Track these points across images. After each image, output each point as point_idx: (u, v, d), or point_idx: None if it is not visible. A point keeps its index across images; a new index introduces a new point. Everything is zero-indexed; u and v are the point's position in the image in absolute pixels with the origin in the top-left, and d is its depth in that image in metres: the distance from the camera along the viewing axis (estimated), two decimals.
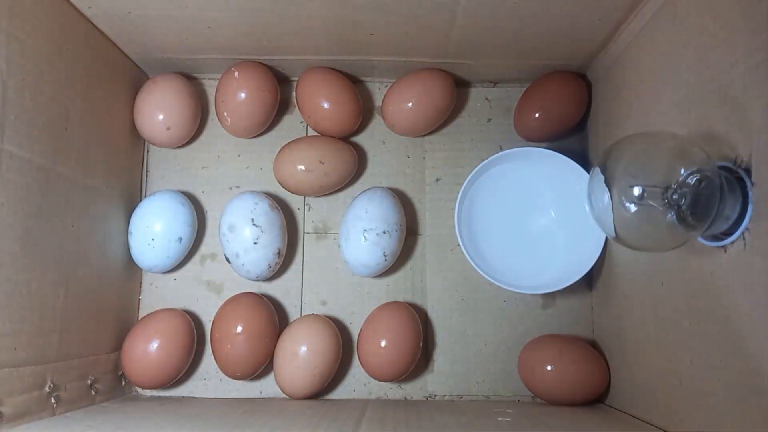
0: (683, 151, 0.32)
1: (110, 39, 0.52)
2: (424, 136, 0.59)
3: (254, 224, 0.52)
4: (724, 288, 0.33)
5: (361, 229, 0.52)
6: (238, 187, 0.59)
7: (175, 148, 0.59)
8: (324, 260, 0.58)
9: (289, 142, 0.57)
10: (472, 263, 0.51)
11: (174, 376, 0.53)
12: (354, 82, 0.58)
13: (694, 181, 0.31)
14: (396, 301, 0.55)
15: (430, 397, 0.55)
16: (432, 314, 0.57)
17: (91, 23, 0.49)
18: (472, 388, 0.55)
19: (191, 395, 0.56)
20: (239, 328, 0.51)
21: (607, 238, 0.51)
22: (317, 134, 0.58)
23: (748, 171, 0.31)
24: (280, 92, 0.58)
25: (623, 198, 0.32)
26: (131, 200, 0.56)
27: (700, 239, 0.34)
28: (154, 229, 0.53)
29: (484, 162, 0.52)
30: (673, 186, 0.31)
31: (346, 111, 0.56)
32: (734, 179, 0.32)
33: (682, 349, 0.38)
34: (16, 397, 0.39)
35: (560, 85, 0.55)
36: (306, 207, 0.59)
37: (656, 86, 0.42)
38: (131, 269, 0.56)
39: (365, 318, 0.54)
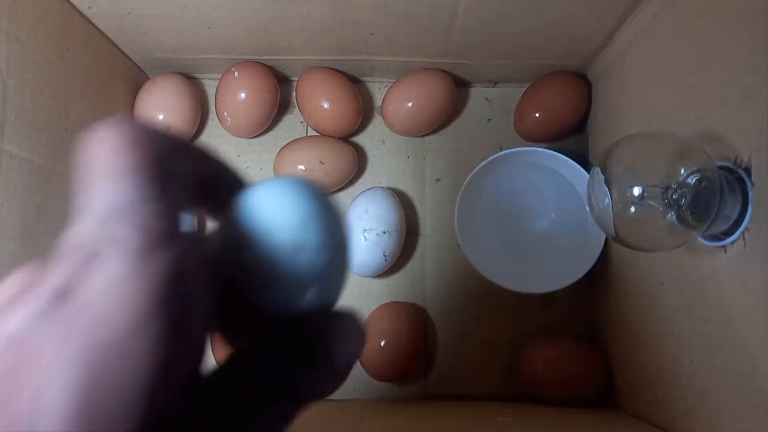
0: (683, 151, 0.32)
1: (110, 39, 0.52)
2: (424, 136, 0.59)
3: None
4: (724, 288, 0.33)
5: (361, 229, 0.52)
6: None
7: None
8: None
9: (289, 142, 0.57)
10: (472, 263, 0.51)
11: None
12: (354, 82, 0.58)
13: (694, 181, 0.31)
14: (396, 301, 0.55)
15: (430, 397, 0.55)
16: (432, 314, 0.57)
17: (91, 23, 0.49)
18: (472, 388, 0.55)
19: None
20: None
21: (607, 238, 0.51)
22: (317, 134, 0.58)
23: (748, 171, 0.31)
24: (280, 92, 0.58)
25: (623, 198, 0.32)
26: None
27: (700, 239, 0.34)
28: None
29: (484, 162, 0.52)
30: (673, 186, 0.31)
31: (346, 111, 0.56)
32: (734, 179, 0.32)
33: (682, 349, 0.38)
34: None
35: (560, 85, 0.55)
36: None
37: (656, 86, 0.42)
38: None
39: (365, 318, 0.54)
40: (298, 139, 0.57)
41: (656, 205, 0.31)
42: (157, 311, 0.14)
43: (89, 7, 0.47)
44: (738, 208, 0.31)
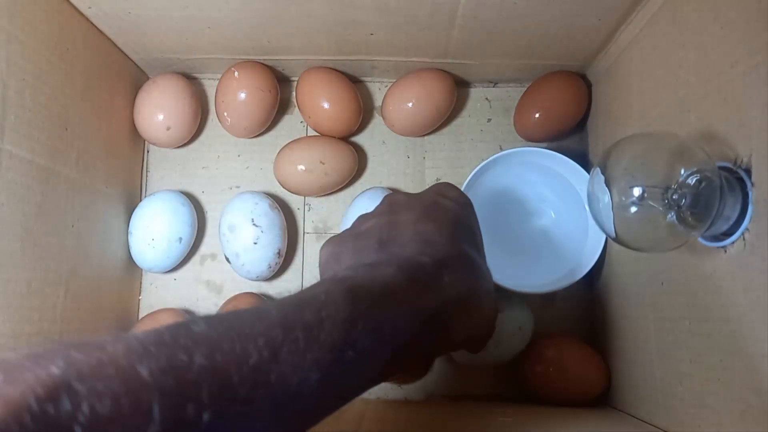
0: (683, 151, 0.32)
1: (110, 39, 0.52)
2: (424, 136, 0.59)
3: (254, 224, 0.52)
4: (724, 288, 0.33)
5: None
6: (238, 187, 0.59)
7: (175, 148, 0.59)
8: None
9: (289, 142, 0.57)
10: None
11: None
12: (354, 82, 0.58)
13: (694, 181, 0.31)
14: None
15: (430, 397, 0.55)
16: None
17: (91, 23, 0.49)
18: (472, 388, 0.55)
19: None
20: None
21: (607, 238, 0.51)
22: (317, 134, 0.58)
23: (748, 171, 0.31)
24: (280, 92, 0.58)
25: (623, 198, 0.32)
26: (131, 200, 0.56)
27: (700, 239, 0.34)
28: (154, 229, 0.53)
29: (484, 162, 0.52)
30: (673, 186, 0.31)
31: (346, 111, 0.56)
32: (734, 179, 0.32)
33: (682, 349, 0.38)
34: None
35: (560, 85, 0.55)
36: (306, 207, 0.59)
37: (656, 86, 0.42)
38: (131, 269, 0.56)
39: None
40: (298, 139, 0.57)
41: (656, 206, 0.31)
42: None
43: (89, 7, 0.47)
44: (738, 208, 0.31)
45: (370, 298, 0.26)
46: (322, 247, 0.37)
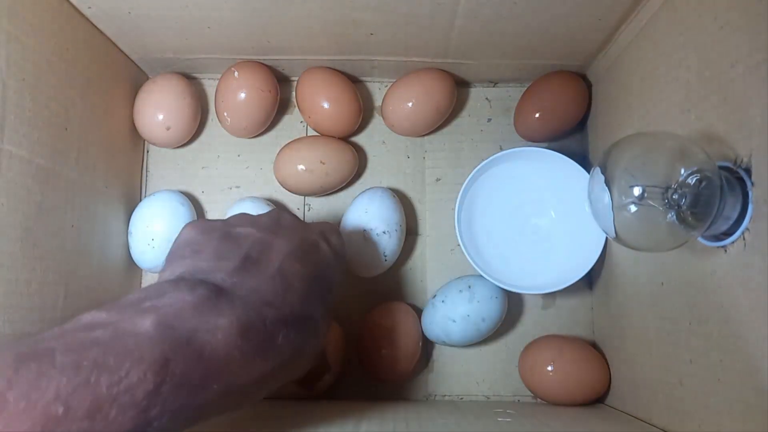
0: (683, 151, 0.32)
1: (110, 39, 0.52)
2: (424, 136, 0.59)
3: None
4: (724, 288, 0.33)
5: (361, 229, 0.52)
6: (238, 187, 0.59)
7: (175, 148, 0.59)
8: None
9: (289, 142, 0.57)
10: (472, 263, 0.51)
11: None
12: (354, 82, 0.58)
13: (694, 181, 0.31)
14: (396, 301, 0.55)
15: (430, 397, 0.55)
16: None
17: (91, 23, 0.49)
18: (472, 388, 0.55)
19: None
20: None
21: (607, 238, 0.51)
22: (317, 134, 0.58)
23: (748, 171, 0.31)
24: (280, 92, 0.58)
25: (623, 198, 0.32)
26: (131, 200, 0.56)
27: (700, 239, 0.34)
28: (154, 229, 0.53)
29: (484, 162, 0.52)
30: (674, 186, 0.31)
31: (346, 111, 0.56)
32: (734, 179, 0.32)
33: (682, 349, 0.38)
34: None
35: (560, 85, 0.55)
36: (306, 207, 0.59)
37: (656, 86, 0.42)
38: (131, 269, 0.56)
39: (365, 318, 0.54)
40: (298, 139, 0.57)
41: (656, 205, 0.31)
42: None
43: (89, 7, 0.47)
44: (738, 208, 0.31)
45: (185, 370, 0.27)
46: (187, 225, 0.36)
